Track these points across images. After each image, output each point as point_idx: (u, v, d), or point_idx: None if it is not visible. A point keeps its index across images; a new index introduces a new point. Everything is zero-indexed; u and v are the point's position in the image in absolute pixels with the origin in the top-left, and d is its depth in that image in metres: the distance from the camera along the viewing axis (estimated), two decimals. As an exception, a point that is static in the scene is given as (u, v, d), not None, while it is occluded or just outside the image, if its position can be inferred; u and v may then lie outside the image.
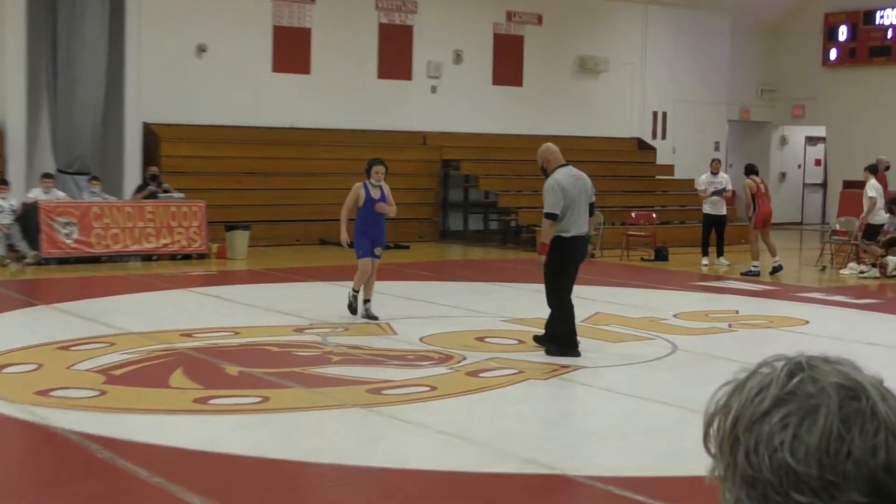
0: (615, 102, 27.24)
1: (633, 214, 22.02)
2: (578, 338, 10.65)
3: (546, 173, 10.66)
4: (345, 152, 22.81)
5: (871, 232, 18.34)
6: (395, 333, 11.63)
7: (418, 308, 12.86)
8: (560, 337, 10.54)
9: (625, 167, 26.59)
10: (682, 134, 28.41)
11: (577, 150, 24.11)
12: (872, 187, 18.27)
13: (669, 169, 27.23)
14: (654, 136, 28.10)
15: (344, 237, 12.22)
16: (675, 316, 13.25)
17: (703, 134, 28.81)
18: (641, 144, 27.69)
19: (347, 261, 19.29)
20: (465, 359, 10.29)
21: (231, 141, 21.85)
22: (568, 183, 10.46)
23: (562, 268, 10.48)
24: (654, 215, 22.04)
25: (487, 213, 24.76)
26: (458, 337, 11.49)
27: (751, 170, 18.73)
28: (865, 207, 18.39)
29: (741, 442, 1.24)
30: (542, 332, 10.85)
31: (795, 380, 1.25)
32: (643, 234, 21.44)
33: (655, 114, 28.16)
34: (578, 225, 10.48)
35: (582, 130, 26.27)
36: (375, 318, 12.16)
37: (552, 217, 10.43)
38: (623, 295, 15.25)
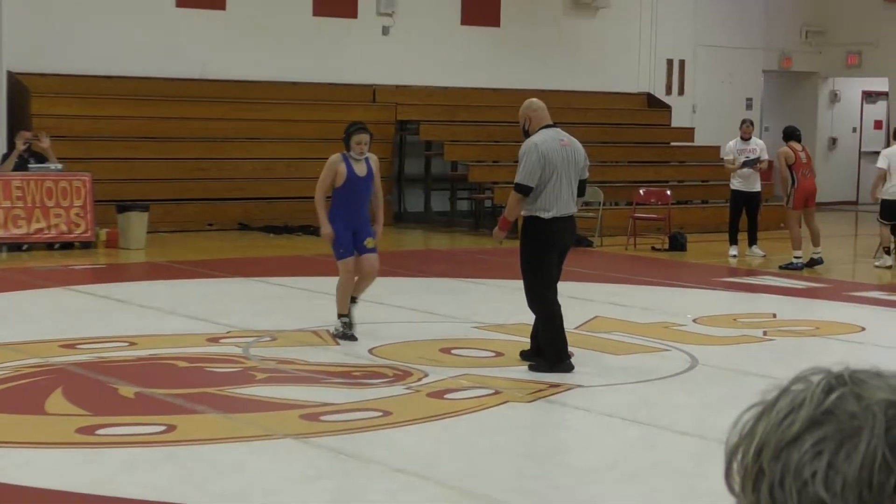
0: (618, 48, 27.31)
1: (641, 192, 22.09)
2: (571, 348, 10.70)
3: (528, 135, 10.70)
4: (271, 111, 22.75)
5: (890, 209, 18.53)
6: (338, 343, 11.65)
7: (367, 311, 12.85)
8: (547, 348, 10.58)
9: (631, 131, 26.68)
10: (705, 88, 28.53)
11: (570, 108, 24.19)
12: (885, 156, 18.60)
13: (688, 133, 27.35)
14: (669, 91, 28.20)
15: (328, 228, 11.51)
16: (695, 321, 13.32)
17: (731, 88, 28.95)
18: (652, 101, 27.78)
19: (276, 250, 19.31)
20: (426, 376, 10.30)
21: (124, 96, 21.75)
22: (550, 148, 10.47)
23: (542, 258, 10.51)
24: (668, 193, 22.11)
25: (455, 189, 24.77)
26: (418, 348, 11.51)
27: (790, 134, 18.85)
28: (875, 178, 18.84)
29: (766, 475, 1.25)
30: (528, 344, 10.89)
31: (834, 396, 1.25)
32: (654, 216, 21.52)
33: (670, 62, 28.26)
34: (562, 203, 10.48)
35: (575, 84, 26.33)
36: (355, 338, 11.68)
37: (522, 190, 10.46)
38: (629, 294, 15.32)
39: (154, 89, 22.09)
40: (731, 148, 19.80)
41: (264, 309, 13.58)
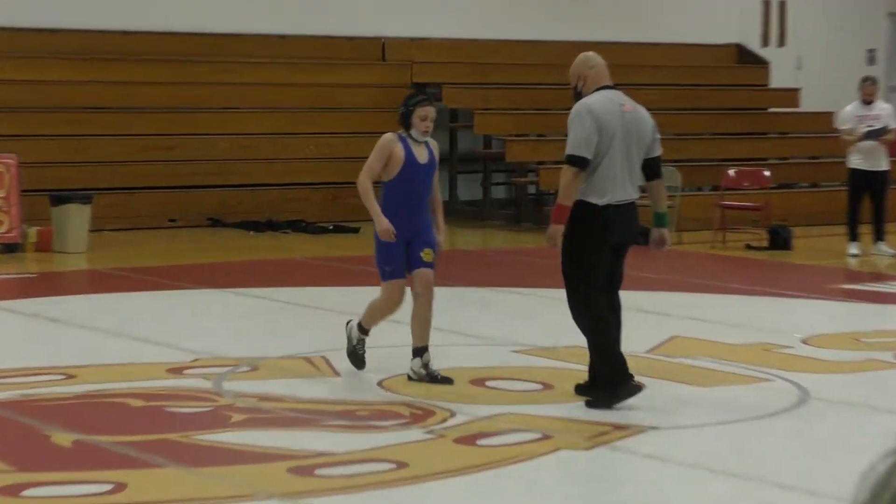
0: (700, -13, 27.33)
1: (731, 173, 22.07)
2: (639, 378, 10.62)
3: (580, 98, 10.61)
4: (253, 73, 22.76)
5: None
6: (337, 374, 11.60)
7: (376, 331, 12.80)
8: (600, 369, 10.51)
9: (717, 95, 26.65)
10: (813, 38, 28.46)
11: (637, 66, 24.17)
12: None
13: (792, 96, 27.31)
14: (766, 42, 28.15)
15: (385, 222, 10.86)
16: (803, 342, 13.28)
17: (847, 38, 28.89)
18: (744, 55, 27.75)
19: (258, 253, 19.26)
20: (453, 416, 10.25)
21: (65, 55, 21.79)
22: (608, 112, 10.39)
23: (591, 255, 10.42)
24: (766, 174, 22.08)
25: (488, 171, 24.75)
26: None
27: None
28: None
29: None
30: (585, 374, 10.84)
31: None
32: (749, 205, 21.48)
33: (767, 4, 28.20)
34: (618, 185, 10.39)
35: (642, 34, 26.31)
36: (446, 379, 11.22)
37: (577, 162, 10.35)
38: (716, 307, 15.30)
39: (103, 46, 22.13)
40: (849, 114, 19.79)
41: (242, 329, 13.60)
